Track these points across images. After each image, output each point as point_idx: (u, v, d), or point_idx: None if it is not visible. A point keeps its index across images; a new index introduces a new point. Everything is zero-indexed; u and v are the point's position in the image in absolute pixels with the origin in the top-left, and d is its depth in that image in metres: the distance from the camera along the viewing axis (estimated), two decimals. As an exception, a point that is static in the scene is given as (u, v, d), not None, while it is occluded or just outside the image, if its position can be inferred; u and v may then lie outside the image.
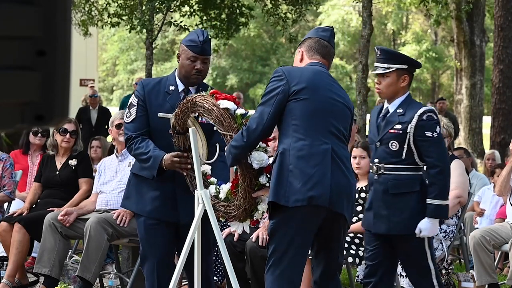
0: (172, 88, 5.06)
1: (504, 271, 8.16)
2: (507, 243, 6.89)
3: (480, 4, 18.71)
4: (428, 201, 5.05)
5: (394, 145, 5.14)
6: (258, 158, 4.47)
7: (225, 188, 4.74)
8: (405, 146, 5.10)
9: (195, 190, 4.75)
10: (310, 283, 6.12)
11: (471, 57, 18.82)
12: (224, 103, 4.58)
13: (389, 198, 5.16)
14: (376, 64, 5.29)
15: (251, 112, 4.70)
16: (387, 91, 5.24)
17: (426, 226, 5.05)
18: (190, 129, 4.70)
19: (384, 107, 5.31)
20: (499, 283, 7.02)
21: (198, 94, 4.74)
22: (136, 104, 5.05)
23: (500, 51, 15.58)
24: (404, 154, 5.12)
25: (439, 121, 5.19)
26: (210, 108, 4.58)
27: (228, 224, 5.53)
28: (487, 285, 6.90)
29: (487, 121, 18.43)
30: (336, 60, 41.95)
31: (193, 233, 4.69)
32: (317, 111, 4.39)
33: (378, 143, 5.21)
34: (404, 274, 6.43)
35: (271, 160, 4.54)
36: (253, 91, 41.38)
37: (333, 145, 4.36)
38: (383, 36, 45.00)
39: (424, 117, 5.10)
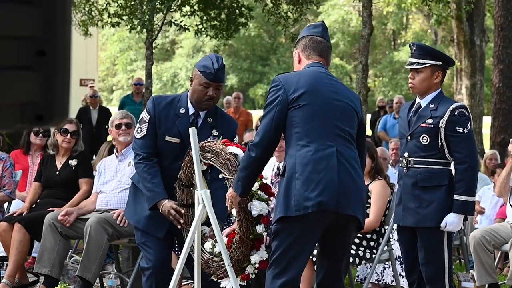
0: (182, 111, 5.06)
1: (504, 271, 8.16)
2: (507, 243, 6.89)
3: (480, 4, 18.69)
4: (455, 196, 5.16)
5: (425, 139, 5.24)
6: (258, 206, 4.49)
7: None
8: (439, 141, 5.18)
9: (195, 190, 4.76)
10: (310, 284, 6.12)
11: (471, 57, 18.81)
12: (233, 149, 4.65)
13: (417, 191, 5.26)
14: (410, 59, 5.38)
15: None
16: (420, 86, 5.33)
17: (452, 221, 5.16)
18: (190, 129, 4.70)
19: (416, 102, 5.41)
20: (499, 283, 7.02)
21: (208, 140, 4.78)
22: (147, 121, 5.08)
23: (500, 51, 15.56)
24: (439, 148, 5.20)
25: (470, 117, 5.28)
26: (218, 151, 4.66)
27: (228, 223, 5.53)
28: (487, 285, 6.90)
29: (487, 121, 18.41)
30: (336, 60, 41.96)
31: (193, 233, 4.69)
32: (318, 114, 4.33)
33: (409, 137, 5.32)
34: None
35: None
36: (253, 91, 41.38)
37: (338, 147, 4.30)
38: (383, 36, 45.00)
39: (456, 113, 5.21)
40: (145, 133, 5.07)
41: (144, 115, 5.11)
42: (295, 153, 4.30)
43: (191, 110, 5.07)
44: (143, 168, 5.04)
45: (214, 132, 5.04)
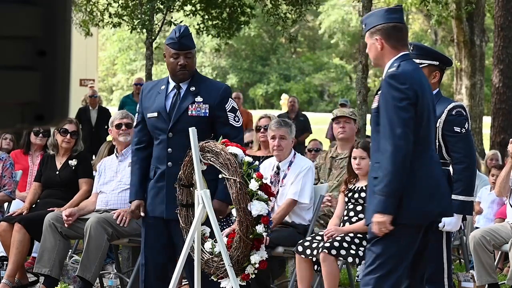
0: (162, 87, 5.20)
1: (504, 271, 8.15)
2: (507, 243, 6.89)
3: (480, 4, 18.70)
4: (453, 196, 5.14)
5: None
6: (258, 206, 4.49)
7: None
8: (437, 141, 5.18)
9: (195, 190, 4.76)
10: (309, 284, 6.12)
11: (471, 57, 18.81)
12: (233, 149, 4.64)
13: None
14: None
15: (256, 153, 4.72)
16: None
17: (450, 221, 5.14)
18: (190, 129, 4.70)
19: None
20: (499, 283, 7.01)
21: (208, 140, 4.78)
22: (138, 111, 5.31)
23: (500, 51, 15.56)
24: (437, 148, 5.20)
25: (468, 117, 5.27)
26: (218, 151, 4.65)
27: (230, 221, 5.52)
28: (487, 285, 6.90)
29: (487, 121, 18.42)
30: (336, 60, 42.00)
31: (193, 233, 4.68)
32: (427, 120, 4.35)
33: None
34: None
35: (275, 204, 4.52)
36: (253, 91, 41.38)
37: (435, 152, 4.45)
38: (383, 36, 44.94)
39: (453, 112, 5.19)
40: (135, 123, 5.36)
41: (139, 104, 5.34)
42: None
43: (172, 85, 5.20)
44: (131, 163, 5.39)
45: (198, 99, 5.12)
